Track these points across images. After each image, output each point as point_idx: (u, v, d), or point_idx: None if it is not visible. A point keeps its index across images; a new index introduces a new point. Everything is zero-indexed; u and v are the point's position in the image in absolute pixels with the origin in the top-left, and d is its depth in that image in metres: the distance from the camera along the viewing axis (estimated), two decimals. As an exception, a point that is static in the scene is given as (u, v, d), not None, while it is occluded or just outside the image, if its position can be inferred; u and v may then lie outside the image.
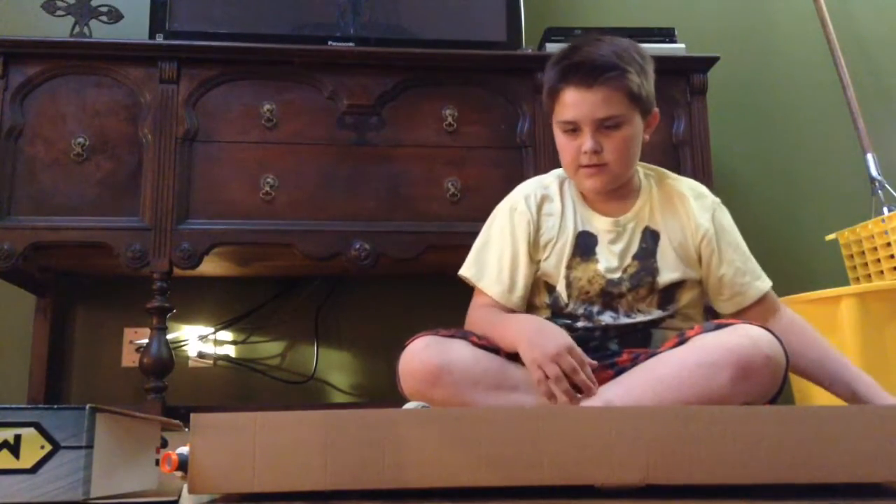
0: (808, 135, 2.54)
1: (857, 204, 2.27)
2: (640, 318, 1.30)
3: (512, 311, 1.32)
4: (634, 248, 1.32)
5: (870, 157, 2.21)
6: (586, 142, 1.26)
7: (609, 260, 1.31)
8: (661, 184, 1.38)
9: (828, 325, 1.81)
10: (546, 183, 1.39)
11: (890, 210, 2.06)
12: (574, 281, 1.31)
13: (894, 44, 2.63)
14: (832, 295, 1.83)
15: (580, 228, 1.34)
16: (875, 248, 1.99)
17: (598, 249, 1.32)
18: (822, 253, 2.30)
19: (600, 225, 1.34)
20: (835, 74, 2.33)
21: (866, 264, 2.03)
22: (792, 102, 2.56)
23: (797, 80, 2.57)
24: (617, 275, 1.31)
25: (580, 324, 1.31)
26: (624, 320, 1.30)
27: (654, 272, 1.31)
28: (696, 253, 1.33)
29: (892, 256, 1.93)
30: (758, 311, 1.32)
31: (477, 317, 1.33)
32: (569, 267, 1.32)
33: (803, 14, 2.51)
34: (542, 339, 1.19)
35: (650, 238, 1.33)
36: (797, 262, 2.40)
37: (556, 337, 1.19)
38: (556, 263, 1.32)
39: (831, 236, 2.15)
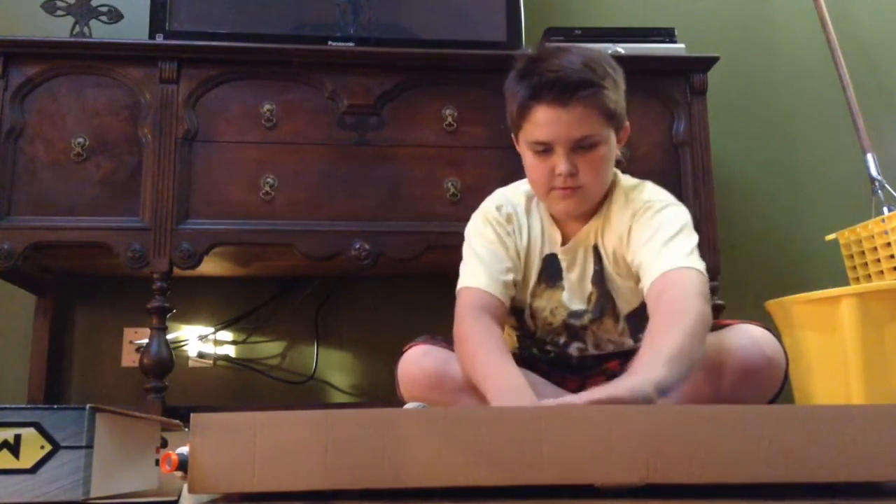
0: (808, 135, 2.54)
1: (857, 204, 2.27)
2: (611, 348, 1.28)
3: (500, 301, 1.21)
4: (590, 271, 1.25)
5: (870, 157, 2.21)
6: (561, 164, 1.17)
7: (572, 289, 1.26)
8: (625, 198, 1.25)
9: (828, 325, 1.81)
10: (514, 200, 1.31)
11: (890, 210, 2.06)
12: (537, 311, 1.28)
13: (894, 44, 2.63)
14: (832, 295, 1.83)
15: (546, 251, 1.27)
16: (875, 248, 1.99)
17: (565, 275, 1.27)
18: (822, 253, 2.30)
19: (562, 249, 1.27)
20: (835, 74, 2.33)
21: (866, 264, 2.03)
22: (792, 102, 2.56)
23: (797, 80, 2.56)
24: (581, 306, 1.26)
25: (549, 347, 1.31)
26: (593, 352, 1.28)
27: (611, 298, 1.25)
28: (631, 258, 1.21)
29: (892, 256, 1.93)
30: (655, 300, 1.12)
31: (463, 333, 1.18)
32: (533, 294, 1.27)
33: (803, 14, 2.51)
34: None
35: (597, 259, 1.26)
36: (797, 262, 2.41)
37: None
38: (521, 288, 1.27)
39: (831, 236, 2.15)
